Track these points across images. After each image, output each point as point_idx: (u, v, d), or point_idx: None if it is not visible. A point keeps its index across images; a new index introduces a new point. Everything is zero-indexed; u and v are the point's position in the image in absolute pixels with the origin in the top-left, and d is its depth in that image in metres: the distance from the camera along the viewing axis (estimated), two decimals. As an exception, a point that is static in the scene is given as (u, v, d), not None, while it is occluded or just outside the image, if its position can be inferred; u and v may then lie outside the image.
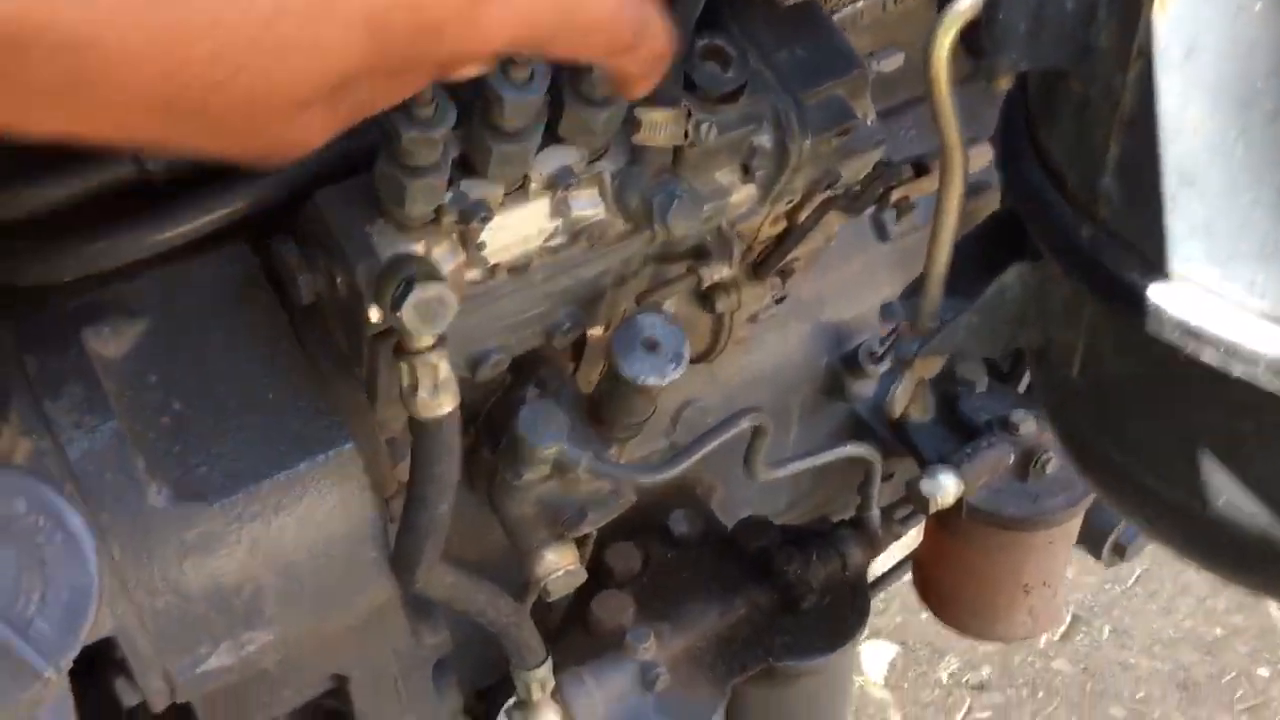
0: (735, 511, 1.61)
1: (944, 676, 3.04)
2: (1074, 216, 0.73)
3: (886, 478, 1.53)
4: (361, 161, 0.95)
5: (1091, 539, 1.79)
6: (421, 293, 0.89)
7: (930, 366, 0.85)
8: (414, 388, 0.95)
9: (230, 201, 1.00)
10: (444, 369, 0.94)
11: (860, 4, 1.40)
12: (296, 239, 0.99)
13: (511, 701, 1.35)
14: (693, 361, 1.36)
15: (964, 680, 3.03)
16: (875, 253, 1.59)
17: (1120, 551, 1.89)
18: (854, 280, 1.59)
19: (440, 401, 0.95)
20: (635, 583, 1.45)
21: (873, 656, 3.05)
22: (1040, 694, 2.99)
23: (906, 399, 0.86)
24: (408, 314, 0.89)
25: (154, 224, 0.99)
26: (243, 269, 1.05)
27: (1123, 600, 3.15)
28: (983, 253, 0.86)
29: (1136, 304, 0.70)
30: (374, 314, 0.94)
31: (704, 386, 1.50)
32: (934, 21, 0.72)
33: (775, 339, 1.53)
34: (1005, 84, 0.72)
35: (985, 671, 3.04)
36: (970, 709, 2.97)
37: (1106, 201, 0.71)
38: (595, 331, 1.22)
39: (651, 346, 1.07)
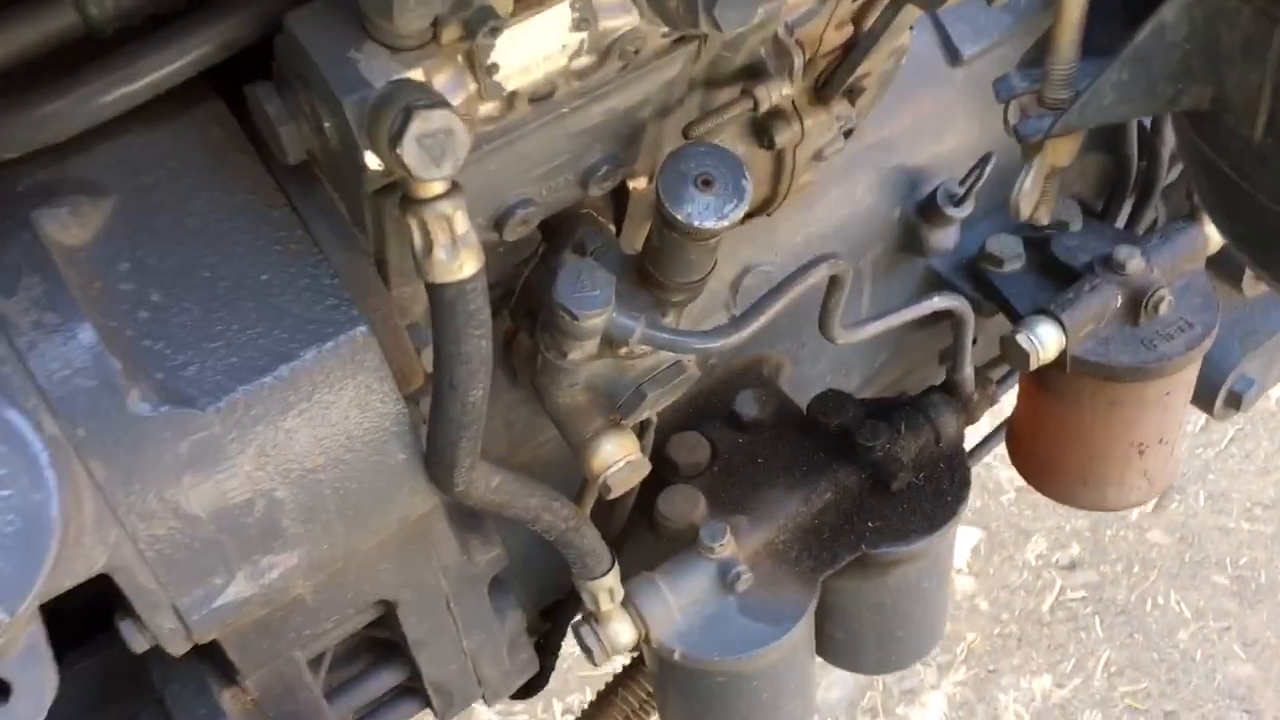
0: (806, 392, 1.45)
1: (1031, 558, 2.89)
2: (1263, -91, 0.55)
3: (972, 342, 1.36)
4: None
5: (1202, 391, 1.61)
6: (424, 123, 0.73)
7: (1065, 150, 0.68)
8: (428, 247, 0.79)
9: (194, 45, 0.83)
10: (461, 220, 0.78)
11: None
12: (275, 82, 0.83)
13: (579, 616, 1.21)
14: (751, 214, 1.19)
15: (1053, 560, 2.88)
16: (947, 83, 1.40)
17: (1236, 402, 1.71)
18: (924, 118, 1.41)
19: (461, 262, 0.79)
20: (704, 475, 1.30)
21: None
22: (1136, 568, 2.83)
23: (1036, 195, 0.69)
24: (409, 150, 0.73)
25: (107, 80, 0.83)
26: (220, 131, 0.89)
27: (1217, 463, 2.97)
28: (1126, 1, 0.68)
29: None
30: (371, 160, 0.78)
31: (764, 249, 1.33)
32: None
33: (840, 191, 1.36)
34: None
35: (1075, 550, 2.88)
36: (1062, 590, 2.82)
37: (1314, -125, 0.52)
38: (638, 184, 1.05)
39: (706, 183, 0.90)
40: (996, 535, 2.95)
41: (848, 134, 1.15)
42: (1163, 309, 1.34)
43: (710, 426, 1.34)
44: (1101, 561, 2.86)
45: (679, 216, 0.89)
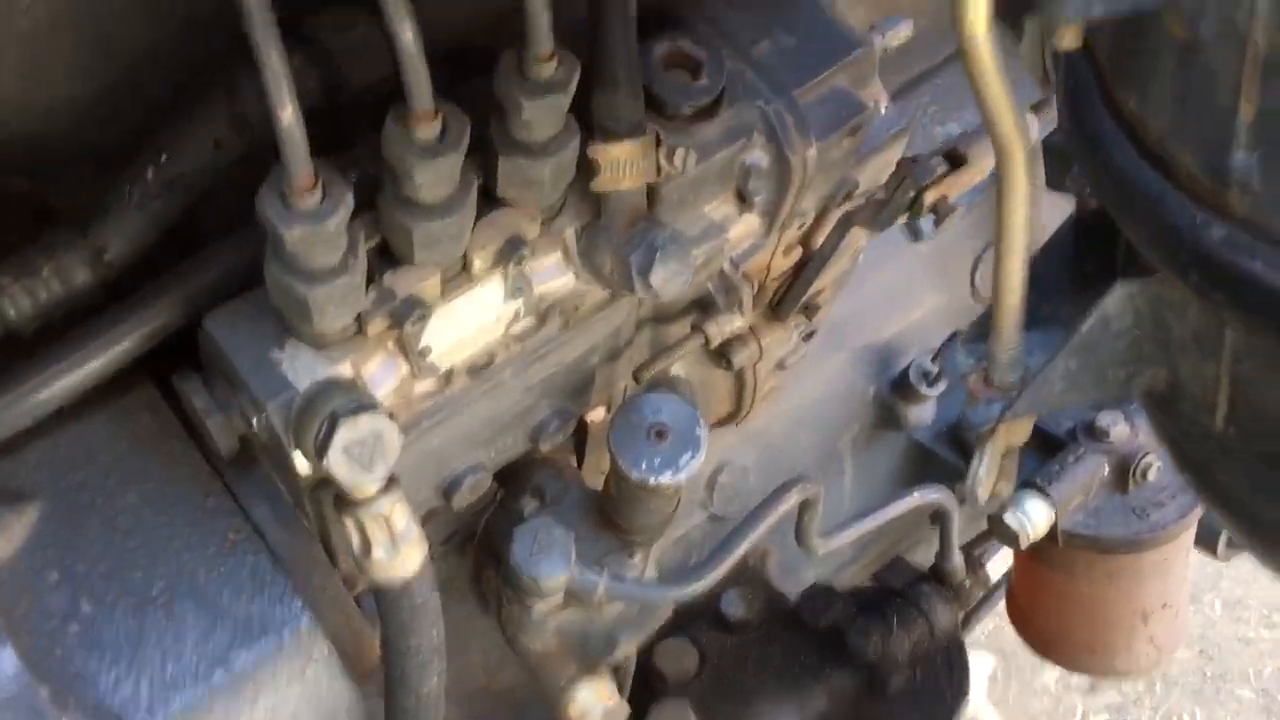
0: (796, 574, 1.40)
1: (1050, 682, 2.79)
2: (1196, 211, 0.52)
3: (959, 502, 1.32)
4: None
5: (1203, 534, 1.56)
6: (350, 431, 0.69)
7: (1019, 432, 0.65)
8: (367, 548, 0.75)
9: (118, 338, 0.81)
10: (400, 516, 0.74)
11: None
12: (203, 371, 0.80)
13: None
14: (718, 425, 1.16)
15: (1072, 684, 2.78)
16: (910, 256, 1.38)
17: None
18: (889, 291, 1.38)
19: (402, 559, 0.75)
20: (693, 685, 1.24)
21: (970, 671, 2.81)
22: (1157, 686, 2.74)
23: (993, 479, 0.65)
24: (336, 460, 0.70)
25: (32, 384, 0.80)
26: (151, 417, 0.86)
27: (1229, 570, 2.89)
28: (1068, 265, 0.65)
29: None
30: (300, 462, 0.74)
31: (738, 444, 1.29)
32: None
33: (811, 376, 1.33)
34: (1071, 41, 0.52)
35: (1094, 671, 2.80)
36: (1085, 715, 2.73)
37: (1243, 185, 0.50)
38: (595, 415, 1.02)
39: (659, 435, 0.86)
40: (1012, 659, 2.86)
41: (809, 337, 1.12)
42: (1151, 475, 1.30)
43: (697, 629, 1.29)
44: (1122, 681, 2.77)
45: (633, 475, 0.86)
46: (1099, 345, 0.59)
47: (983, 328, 0.64)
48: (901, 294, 1.38)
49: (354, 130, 0.84)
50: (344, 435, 0.69)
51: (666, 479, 0.86)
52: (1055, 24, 0.49)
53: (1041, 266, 0.64)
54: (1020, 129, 0.54)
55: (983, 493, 0.66)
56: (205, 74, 0.81)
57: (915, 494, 1.16)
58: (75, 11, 0.72)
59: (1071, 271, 0.65)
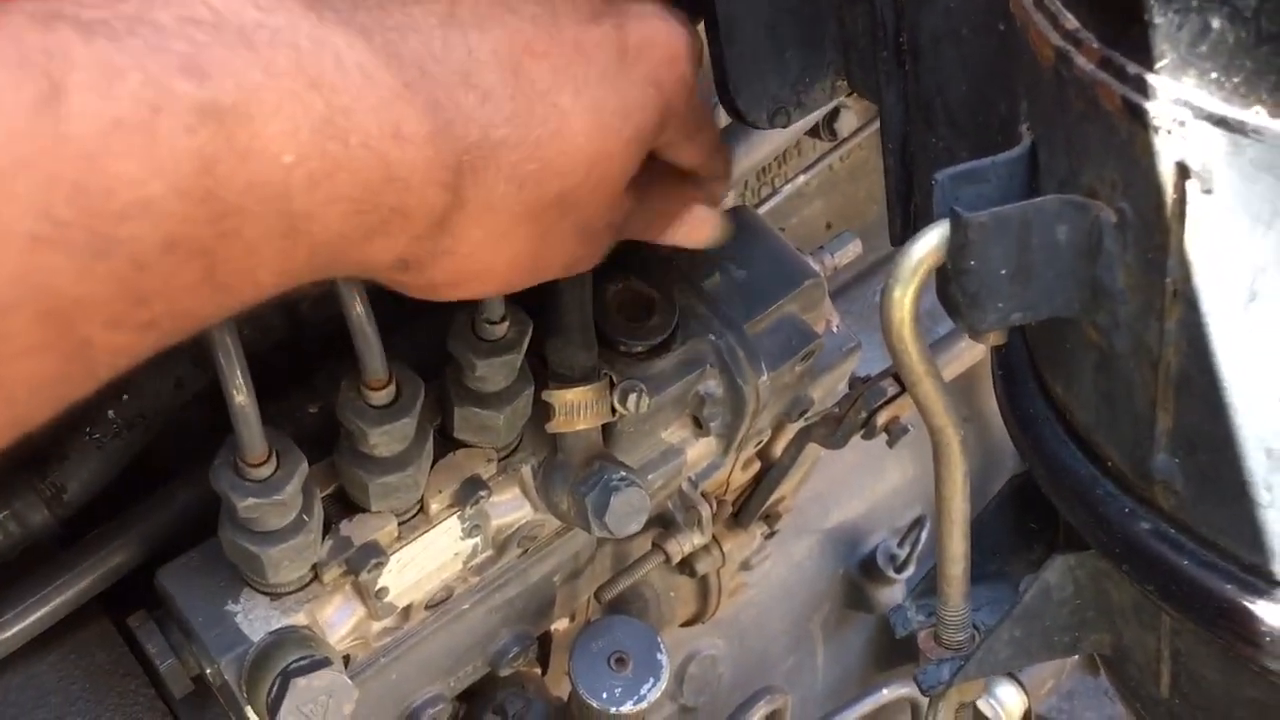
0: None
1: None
2: (1125, 502, 0.53)
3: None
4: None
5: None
6: (302, 692, 0.69)
7: (972, 690, 0.65)
8: (322, 798, 0.74)
9: (75, 582, 0.80)
10: (355, 764, 0.74)
11: (804, 176, 1.24)
12: (159, 613, 0.80)
13: None
14: (685, 625, 1.16)
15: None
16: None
17: None
18: (853, 471, 1.39)
19: (357, 806, 0.74)
20: None
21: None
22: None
23: (948, 736, 0.65)
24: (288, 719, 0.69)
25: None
26: (105, 655, 0.85)
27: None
28: (1012, 523, 0.66)
29: (1235, 624, 0.50)
30: (253, 716, 0.74)
31: (707, 632, 1.29)
32: (886, 277, 0.53)
33: (779, 562, 1.33)
34: (996, 340, 0.53)
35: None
36: None
37: (1168, 487, 0.51)
38: (559, 625, 1.01)
39: (620, 662, 0.86)
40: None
41: (772, 535, 1.12)
42: (1123, 656, 1.30)
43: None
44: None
45: (594, 704, 0.85)
46: (1043, 613, 0.59)
47: (932, 583, 0.65)
48: (866, 473, 1.39)
49: (318, 354, 0.86)
50: (296, 696, 0.69)
51: (629, 708, 0.85)
52: (976, 336, 0.51)
53: (986, 526, 0.65)
54: (953, 418, 0.56)
55: (937, 754, 0.66)
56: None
57: (885, 690, 1.15)
58: None
59: (1016, 529, 0.66)
